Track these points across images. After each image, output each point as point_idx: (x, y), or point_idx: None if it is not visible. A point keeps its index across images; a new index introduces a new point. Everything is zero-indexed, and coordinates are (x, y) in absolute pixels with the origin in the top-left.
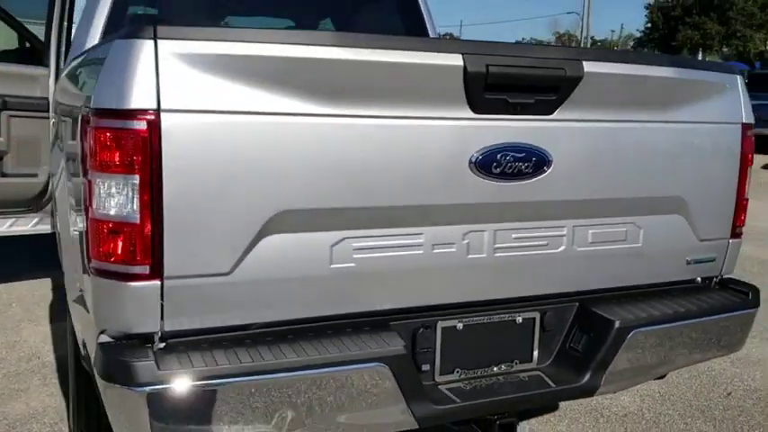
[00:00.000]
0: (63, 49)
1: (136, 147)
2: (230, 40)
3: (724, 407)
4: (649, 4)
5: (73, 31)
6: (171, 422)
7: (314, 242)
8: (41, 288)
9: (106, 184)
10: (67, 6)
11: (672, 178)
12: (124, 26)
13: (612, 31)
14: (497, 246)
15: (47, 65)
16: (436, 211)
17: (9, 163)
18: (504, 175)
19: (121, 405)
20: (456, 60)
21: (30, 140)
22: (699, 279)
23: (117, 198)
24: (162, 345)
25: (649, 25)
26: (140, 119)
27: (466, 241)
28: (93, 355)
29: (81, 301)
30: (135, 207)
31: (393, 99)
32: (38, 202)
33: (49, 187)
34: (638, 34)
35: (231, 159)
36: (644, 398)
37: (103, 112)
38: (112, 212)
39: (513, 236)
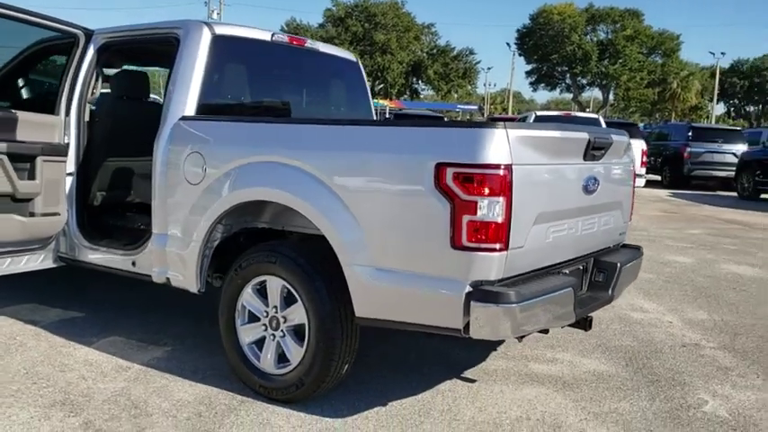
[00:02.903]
0: (67, 100)
1: (503, 181)
2: (530, 128)
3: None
4: None
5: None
6: (519, 320)
7: (543, 228)
8: None
9: (483, 202)
10: (73, 67)
11: (618, 194)
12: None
13: None
14: (582, 228)
15: (57, 114)
16: (575, 211)
17: (39, 203)
18: (587, 191)
19: (491, 316)
20: (584, 137)
21: (54, 182)
22: (622, 243)
23: (491, 210)
24: (503, 284)
25: None
26: (505, 168)
27: (580, 224)
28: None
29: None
30: (500, 213)
31: (567, 154)
32: (50, 239)
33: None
34: None
35: (532, 185)
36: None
37: (487, 165)
38: (490, 218)
39: (587, 222)
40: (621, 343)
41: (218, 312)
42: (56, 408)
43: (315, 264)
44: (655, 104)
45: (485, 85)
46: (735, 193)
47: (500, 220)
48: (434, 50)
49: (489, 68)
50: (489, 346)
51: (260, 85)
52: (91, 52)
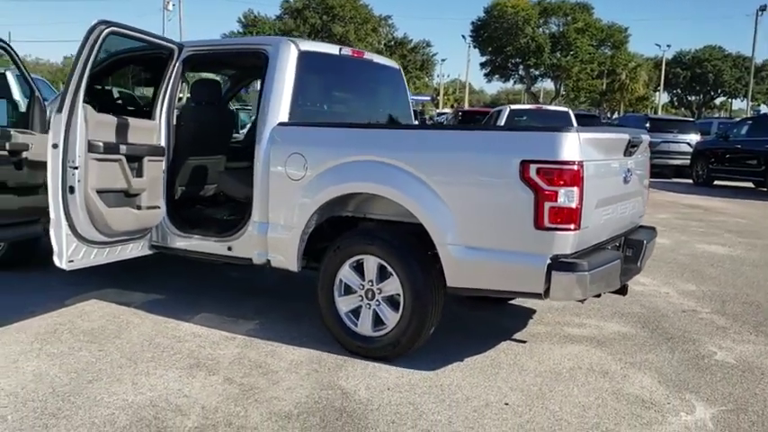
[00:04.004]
0: (160, 106)
1: (577, 174)
2: (592, 132)
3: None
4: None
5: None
6: (588, 285)
7: (599, 212)
8: None
9: (562, 191)
10: (170, 77)
11: (641, 183)
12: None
13: None
14: (619, 211)
15: (155, 119)
16: (617, 198)
17: (144, 198)
18: (625, 181)
19: (568, 282)
20: (625, 138)
21: (155, 179)
22: (640, 224)
23: (568, 197)
24: (575, 257)
25: None
26: (578, 164)
27: (618, 208)
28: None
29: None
30: (575, 200)
31: (614, 151)
32: (150, 229)
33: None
34: None
35: (594, 177)
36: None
37: (565, 162)
38: (566, 204)
39: (622, 207)
40: (632, 310)
41: (277, 289)
42: (194, 369)
43: (407, 244)
44: (603, 95)
45: (438, 76)
46: (690, 180)
47: (574, 205)
48: (392, 42)
49: (444, 60)
50: (527, 315)
51: (332, 92)
52: (179, 64)
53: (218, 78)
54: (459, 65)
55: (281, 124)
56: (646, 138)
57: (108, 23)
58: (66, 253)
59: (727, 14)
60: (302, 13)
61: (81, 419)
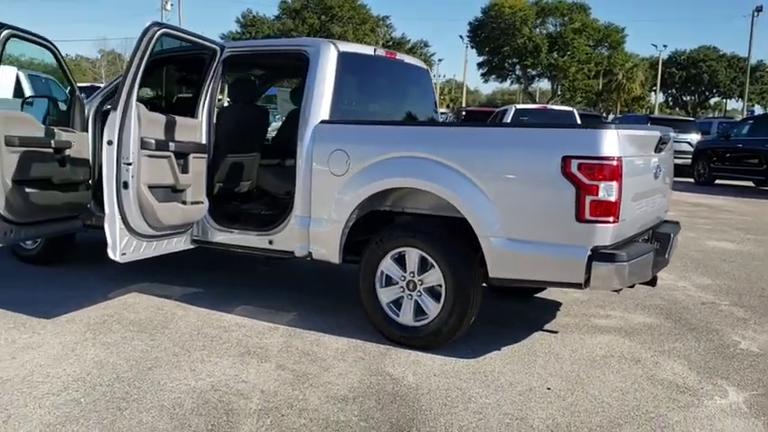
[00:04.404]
0: (202, 105)
1: (616, 170)
2: (629, 129)
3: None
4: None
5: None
6: (626, 275)
7: (634, 206)
8: None
9: (602, 185)
10: (208, 81)
11: (668, 179)
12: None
13: None
14: (650, 205)
15: (197, 117)
16: (648, 192)
17: (189, 193)
18: (655, 177)
19: (608, 272)
20: (657, 135)
21: (199, 175)
22: (664, 219)
23: (608, 191)
24: (613, 248)
25: None
26: (617, 159)
27: (649, 203)
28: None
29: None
30: (615, 194)
31: (647, 148)
32: (193, 224)
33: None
34: None
35: (631, 172)
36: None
37: (605, 158)
38: (606, 198)
39: (652, 201)
40: (654, 303)
41: (307, 283)
42: (246, 356)
43: (448, 237)
44: (600, 95)
45: (435, 76)
46: (691, 179)
47: (613, 199)
48: (390, 43)
49: (441, 60)
50: (554, 308)
51: (367, 91)
52: (220, 64)
53: (253, 78)
54: (456, 65)
55: (323, 122)
56: (672, 136)
57: (161, 25)
58: (120, 246)
59: (724, 15)
60: (300, 13)
61: (150, 403)
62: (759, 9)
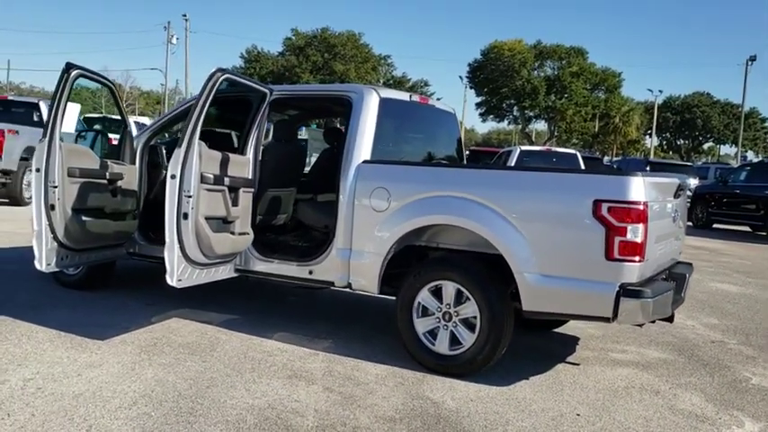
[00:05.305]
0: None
1: (643, 213)
2: (653, 176)
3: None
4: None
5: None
6: (650, 310)
7: (656, 247)
8: None
9: (630, 227)
10: (257, 121)
11: (682, 222)
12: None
13: None
14: (666, 246)
15: (246, 154)
16: (668, 235)
17: (238, 225)
18: (673, 220)
19: (635, 307)
20: (676, 182)
21: (246, 208)
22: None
23: (635, 233)
24: (639, 285)
25: None
26: (644, 204)
27: (668, 244)
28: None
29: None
30: (641, 235)
31: (667, 193)
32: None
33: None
34: None
35: (654, 216)
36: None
37: (633, 202)
38: (633, 239)
39: (669, 243)
40: (666, 340)
41: (336, 312)
42: (293, 379)
43: (484, 272)
44: (596, 137)
45: None
46: (690, 223)
47: (640, 240)
48: (391, 81)
49: (440, 99)
50: (573, 342)
51: (403, 133)
52: (267, 105)
53: (295, 119)
54: (454, 104)
55: (366, 162)
56: (688, 183)
57: (224, 71)
58: (177, 272)
59: (717, 62)
60: (304, 50)
61: (215, 418)
62: (753, 58)
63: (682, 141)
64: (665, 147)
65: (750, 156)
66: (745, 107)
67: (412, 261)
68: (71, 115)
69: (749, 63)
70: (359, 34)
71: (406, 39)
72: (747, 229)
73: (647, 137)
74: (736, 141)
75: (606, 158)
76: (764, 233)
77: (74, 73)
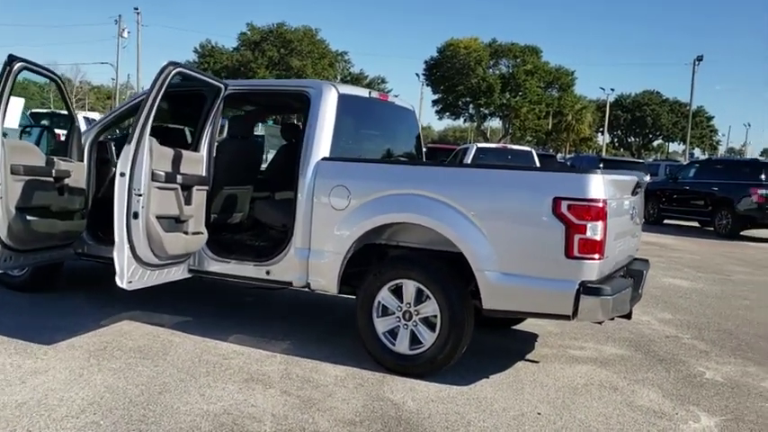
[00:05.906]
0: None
1: (602, 211)
2: (612, 174)
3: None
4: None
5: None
6: (610, 307)
7: (615, 244)
8: None
9: (590, 225)
10: (211, 117)
11: (639, 220)
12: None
13: None
14: (624, 243)
15: (200, 151)
16: (626, 232)
17: (191, 224)
18: (631, 217)
19: (594, 305)
20: (634, 180)
21: (200, 207)
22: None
23: (594, 231)
24: (598, 283)
25: None
26: (603, 201)
27: (625, 242)
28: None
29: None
30: (600, 233)
31: (626, 191)
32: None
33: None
34: None
35: (613, 213)
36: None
37: (592, 200)
38: (593, 236)
39: (627, 240)
40: (622, 336)
41: (293, 313)
42: (250, 382)
43: (444, 270)
44: (549, 134)
45: None
46: None
47: (599, 237)
48: (348, 78)
49: (397, 96)
50: (532, 339)
51: (361, 130)
52: (222, 101)
53: (251, 114)
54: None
55: (324, 159)
56: (645, 180)
57: (176, 65)
58: (127, 274)
59: (666, 62)
60: (260, 45)
61: (168, 425)
62: (700, 58)
63: (632, 139)
64: (617, 144)
65: (697, 153)
66: (693, 106)
67: (372, 260)
68: (14, 110)
69: (696, 63)
70: (315, 30)
71: (363, 35)
72: (696, 224)
73: (600, 134)
74: (684, 139)
75: (560, 156)
76: (712, 228)
77: (17, 66)
